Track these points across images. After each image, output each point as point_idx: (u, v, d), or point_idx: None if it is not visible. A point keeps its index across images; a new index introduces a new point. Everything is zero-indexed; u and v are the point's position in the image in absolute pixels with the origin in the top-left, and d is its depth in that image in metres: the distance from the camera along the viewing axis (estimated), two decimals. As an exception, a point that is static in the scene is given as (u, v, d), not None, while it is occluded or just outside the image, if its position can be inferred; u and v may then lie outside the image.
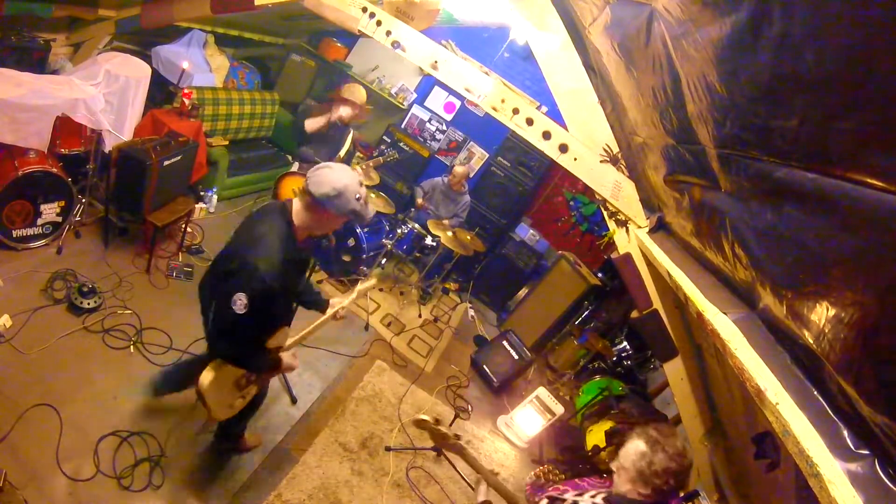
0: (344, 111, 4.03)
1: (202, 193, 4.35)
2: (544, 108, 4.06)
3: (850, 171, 0.82)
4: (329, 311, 2.27)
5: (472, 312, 5.63)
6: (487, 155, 5.97)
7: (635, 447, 1.48)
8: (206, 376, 1.90)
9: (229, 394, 2.07)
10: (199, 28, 4.39)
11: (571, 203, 5.99)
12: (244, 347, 1.88)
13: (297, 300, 2.19)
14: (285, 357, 2.08)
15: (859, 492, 0.94)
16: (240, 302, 1.67)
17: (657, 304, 2.64)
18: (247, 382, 2.10)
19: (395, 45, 2.98)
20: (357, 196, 1.77)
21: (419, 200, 5.27)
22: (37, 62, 3.32)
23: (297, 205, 1.82)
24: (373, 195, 4.67)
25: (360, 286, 2.47)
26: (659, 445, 1.44)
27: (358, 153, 5.87)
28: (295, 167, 4.41)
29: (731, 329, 1.45)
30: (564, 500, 1.78)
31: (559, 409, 3.79)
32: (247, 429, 2.60)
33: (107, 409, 2.50)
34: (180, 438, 2.55)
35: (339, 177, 1.75)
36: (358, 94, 4.13)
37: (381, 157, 4.67)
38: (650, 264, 2.53)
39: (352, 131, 4.29)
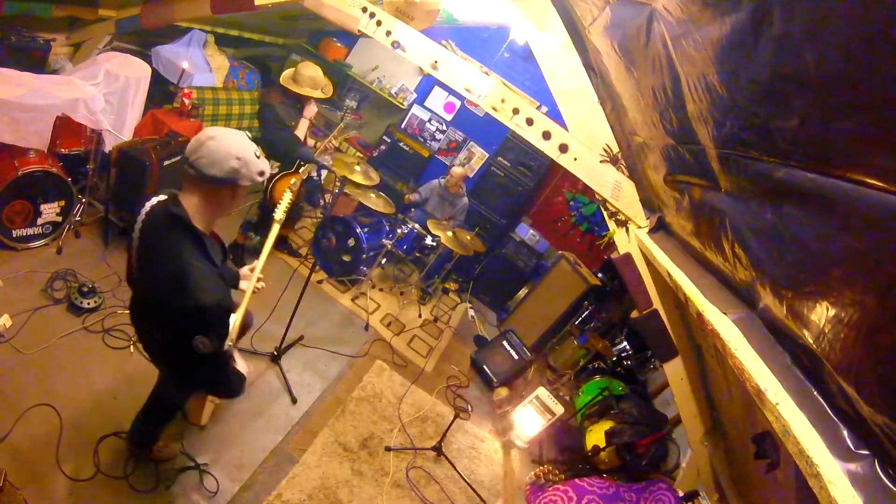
0: (309, 111, 3.77)
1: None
2: (544, 108, 4.07)
3: (850, 171, 0.82)
4: (250, 285, 1.89)
5: (472, 312, 5.63)
6: (487, 155, 5.97)
7: None
8: (200, 414, 1.85)
9: (213, 403, 2.06)
10: (199, 28, 4.39)
11: (571, 203, 5.99)
12: (223, 372, 1.72)
13: None
14: (240, 365, 1.87)
15: (859, 492, 0.94)
16: (202, 346, 1.48)
17: (657, 304, 2.64)
18: None
19: (395, 45, 2.98)
20: (256, 153, 1.52)
21: (408, 196, 5.28)
22: (37, 62, 3.32)
23: (192, 202, 1.51)
24: (373, 195, 4.67)
25: (266, 245, 1.95)
26: None
27: (358, 154, 5.88)
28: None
29: (731, 329, 1.45)
30: None
31: (559, 409, 3.78)
32: (161, 438, 2.37)
33: (107, 409, 2.50)
34: (179, 438, 2.55)
35: (231, 142, 1.47)
36: (310, 82, 3.58)
37: (342, 125, 4.18)
38: (650, 264, 2.53)
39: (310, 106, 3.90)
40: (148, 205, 1.54)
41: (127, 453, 2.33)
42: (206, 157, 1.44)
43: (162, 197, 1.56)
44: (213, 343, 1.50)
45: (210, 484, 2.45)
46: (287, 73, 3.63)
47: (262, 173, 1.55)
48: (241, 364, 1.86)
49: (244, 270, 2.00)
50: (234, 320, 1.75)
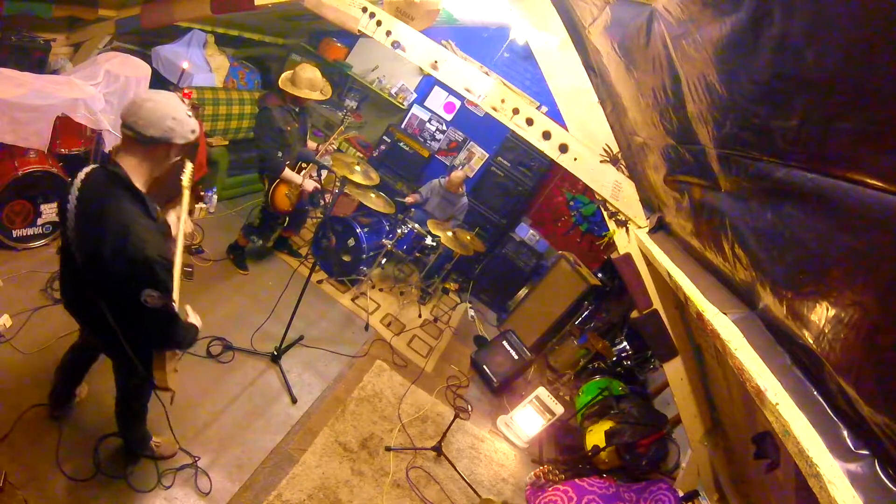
0: (308, 184, 3.75)
1: (202, 193, 4.35)
2: (544, 108, 4.06)
3: (850, 171, 0.82)
4: (180, 231, 1.90)
5: (472, 312, 5.63)
6: (487, 155, 5.97)
7: None
8: (165, 377, 1.84)
9: (172, 360, 1.99)
10: (199, 28, 4.39)
11: (571, 203, 5.99)
12: (176, 323, 1.74)
13: None
14: (193, 318, 1.94)
15: (859, 492, 0.94)
16: (151, 298, 1.54)
17: (657, 304, 2.64)
18: None
19: (395, 45, 2.98)
20: (189, 113, 1.61)
21: (409, 198, 5.29)
22: (37, 62, 3.32)
23: (130, 162, 1.58)
24: (373, 195, 4.67)
25: (184, 198, 2.01)
26: None
27: (358, 154, 5.88)
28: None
29: (731, 329, 1.45)
30: None
31: (559, 409, 3.79)
32: (151, 434, 2.37)
33: (107, 408, 2.49)
34: (180, 428, 2.55)
35: (166, 104, 1.56)
36: (308, 84, 3.55)
37: (342, 126, 4.09)
38: (650, 264, 2.53)
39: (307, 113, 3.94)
40: (82, 171, 1.59)
41: (128, 456, 2.34)
42: (144, 119, 1.52)
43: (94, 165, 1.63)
44: (161, 296, 1.56)
45: (203, 483, 2.45)
46: (285, 75, 3.60)
47: (193, 131, 1.63)
48: (193, 316, 1.94)
49: (169, 219, 2.00)
50: (175, 272, 1.83)
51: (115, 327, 1.71)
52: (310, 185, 3.68)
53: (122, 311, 1.67)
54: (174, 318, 1.72)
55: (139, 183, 1.60)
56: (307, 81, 3.54)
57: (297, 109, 3.67)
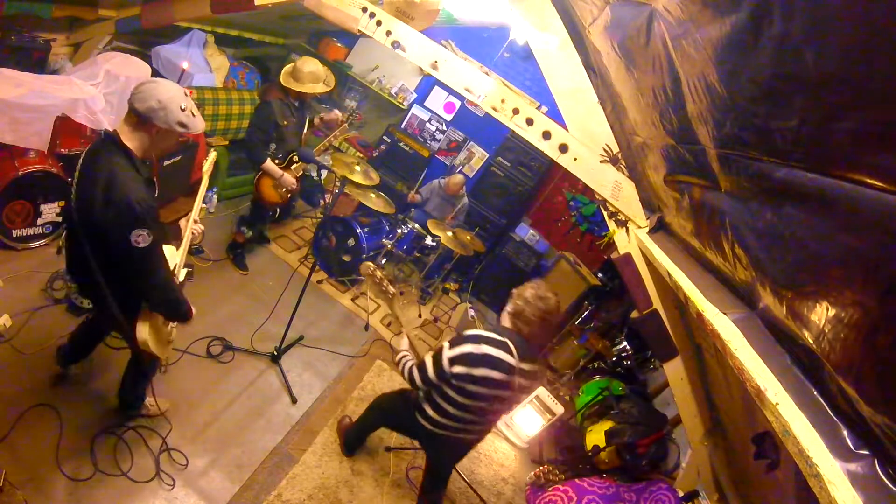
0: (332, 116, 3.96)
1: None
2: (544, 108, 4.07)
3: (850, 171, 0.82)
4: (187, 232, 2.22)
5: (472, 312, 5.63)
6: (487, 155, 5.97)
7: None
8: (143, 330, 1.93)
9: (164, 332, 2.14)
10: (199, 28, 4.39)
11: (571, 203, 5.99)
12: (167, 281, 1.89)
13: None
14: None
15: (859, 492, 0.94)
16: (141, 237, 1.69)
17: (657, 304, 2.64)
18: None
19: (395, 45, 2.98)
20: (182, 106, 1.75)
21: (412, 194, 5.31)
22: (37, 62, 3.32)
23: (125, 129, 1.76)
24: (373, 195, 4.67)
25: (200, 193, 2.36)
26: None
27: (358, 154, 5.88)
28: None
29: (731, 329, 1.45)
30: None
31: (559, 409, 3.78)
32: (148, 394, 2.50)
33: (107, 408, 2.50)
34: (180, 428, 2.55)
35: (162, 90, 1.72)
36: (310, 77, 3.55)
37: (345, 124, 4.14)
38: (650, 264, 2.53)
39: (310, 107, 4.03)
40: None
41: (119, 412, 2.47)
42: (137, 94, 1.72)
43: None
44: (149, 234, 1.71)
45: (179, 458, 2.50)
46: (286, 69, 3.59)
47: (181, 124, 1.76)
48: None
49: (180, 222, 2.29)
50: (179, 257, 2.12)
51: (102, 280, 1.83)
52: (289, 181, 3.68)
53: (111, 262, 1.79)
54: (161, 265, 1.87)
55: (133, 146, 1.77)
56: (310, 75, 3.53)
57: (296, 104, 3.68)
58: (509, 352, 2.08)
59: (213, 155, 2.37)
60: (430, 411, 2.29)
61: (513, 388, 2.16)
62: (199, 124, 1.85)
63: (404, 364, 2.31)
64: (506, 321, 2.21)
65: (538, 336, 2.18)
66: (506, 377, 2.09)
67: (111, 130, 1.78)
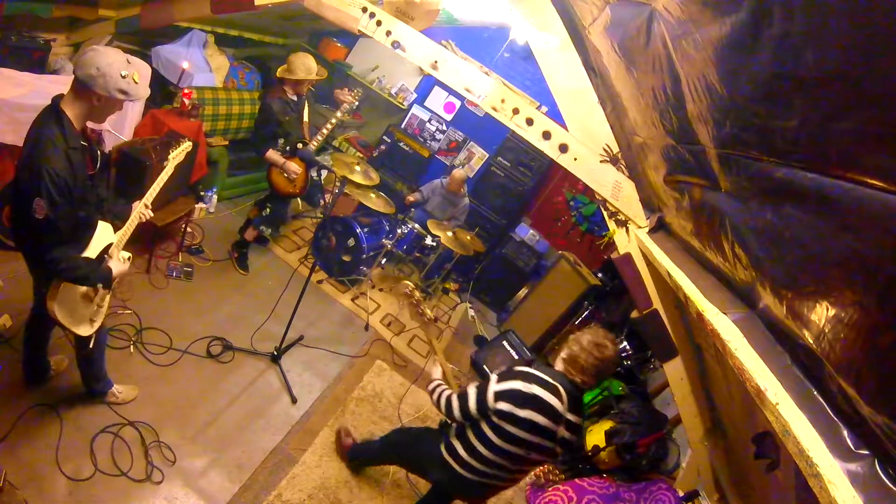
0: (343, 95, 4.09)
1: (202, 193, 4.35)
2: (544, 108, 4.06)
3: (850, 171, 0.82)
4: (135, 212, 2.18)
5: (472, 312, 5.63)
6: (487, 155, 5.97)
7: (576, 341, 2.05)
8: (51, 302, 1.92)
9: (84, 308, 2.10)
10: (199, 28, 4.39)
11: (571, 203, 5.99)
12: (62, 260, 1.82)
13: (103, 207, 2.12)
14: (114, 265, 2.06)
15: (859, 492, 0.94)
16: (39, 207, 1.66)
17: (657, 304, 2.64)
18: (94, 292, 2.11)
19: (395, 45, 2.98)
20: (122, 74, 1.72)
21: (409, 197, 5.29)
22: (37, 62, 3.32)
23: (69, 97, 1.76)
24: (373, 195, 4.67)
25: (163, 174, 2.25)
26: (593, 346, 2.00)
27: (358, 154, 5.88)
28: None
29: (731, 329, 1.45)
30: None
31: (559, 409, 3.78)
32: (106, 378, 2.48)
33: (107, 408, 2.50)
34: (180, 428, 2.55)
35: (101, 57, 1.70)
36: (304, 68, 3.67)
37: (347, 105, 4.13)
38: (650, 264, 2.53)
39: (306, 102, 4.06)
40: None
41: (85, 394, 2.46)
42: (79, 61, 1.71)
43: None
44: (45, 208, 1.67)
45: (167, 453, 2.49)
46: (282, 67, 3.73)
47: (122, 91, 1.74)
48: (117, 263, 2.08)
49: (134, 204, 2.23)
50: (117, 237, 2.11)
51: (15, 238, 1.87)
52: (291, 167, 3.78)
53: (24, 219, 1.77)
54: (58, 241, 1.80)
55: (72, 115, 1.76)
56: (302, 66, 3.67)
57: (294, 99, 3.79)
58: (559, 397, 1.95)
59: (186, 145, 2.30)
60: (460, 449, 2.12)
61: (555, 440, 1.99)
62: (141, 91, 1.82)
63: (440, 393, 2.18)
64: (559, 365, 2.07)
65: (589, 385, 2.03)
66: (551, 425, 1.94)
67: (57, 95, 1.78)
